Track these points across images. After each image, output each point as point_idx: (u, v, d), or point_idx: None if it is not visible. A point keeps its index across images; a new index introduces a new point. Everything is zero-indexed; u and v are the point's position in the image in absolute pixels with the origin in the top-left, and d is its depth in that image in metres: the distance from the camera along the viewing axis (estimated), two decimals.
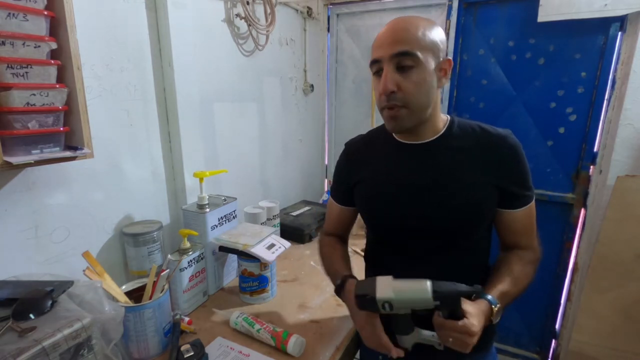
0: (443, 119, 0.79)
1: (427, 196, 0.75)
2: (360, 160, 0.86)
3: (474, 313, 0.62)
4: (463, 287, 0.61)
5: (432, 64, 0.69)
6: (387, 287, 0.63)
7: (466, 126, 0.78)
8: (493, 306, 0.66)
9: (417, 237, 0.77)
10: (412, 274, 0.77)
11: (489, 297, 0.67)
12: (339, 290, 0.80)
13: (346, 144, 0.92)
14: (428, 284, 0.61)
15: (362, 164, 0.85)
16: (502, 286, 0.70)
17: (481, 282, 0.80)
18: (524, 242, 0.78)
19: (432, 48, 0.69)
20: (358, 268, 0.91)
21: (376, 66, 0.71)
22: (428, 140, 0.77)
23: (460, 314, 0.61)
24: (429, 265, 0.77)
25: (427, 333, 0.68)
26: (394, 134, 0.82)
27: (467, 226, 0.75)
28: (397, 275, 0.69)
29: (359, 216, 0.93)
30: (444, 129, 0.77)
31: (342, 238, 0.98)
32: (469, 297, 0.64)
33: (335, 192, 0.95)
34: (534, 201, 0.77)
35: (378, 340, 0.70)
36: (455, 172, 0.74)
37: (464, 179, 0.73)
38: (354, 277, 0.81)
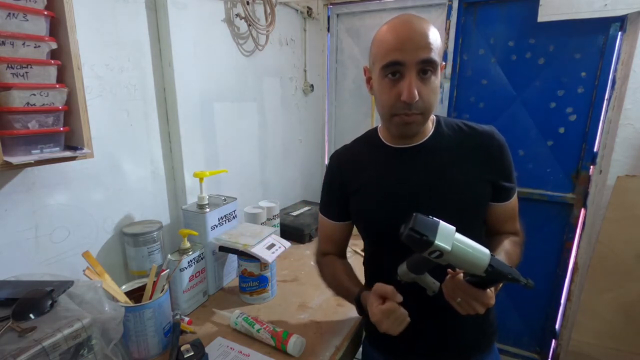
0: (431, 118, 0.79)
1: (423, 198, 0.75)
2: (352, 169, 0.84)
3: (493, 288, 0.63)
4: (515, 274, 0.58)
5: (439, 68, 0.70)
6: (448, 237, 0.57)
7: (452, 125, 0.79)
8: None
9: None
10: None
11: None
12: (360, 309, 0.77)
13: (333, 156, 0.89)
14: (489, 255, 0.58)
15: (354, 172, 0.83)
16: None
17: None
18: (510, 228, 0.82)
19: (441, 53, 0.70)
20: (358, 268, 0.91)
21: (394, 69, 0.67)
22: (418, 143, 0.77)
23: (487, 286, 0.61)
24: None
25: (431, 279, 0.66)
26: (382, 138, 0.82)
27: (464, 224, 0.74)
28: (395, 276, 0.69)
29: None
30: (432, 129, 0.78)
31: (340, 255, 0.94)
32: (516, 283, 0.60)
33: (326, 208, 0.90)
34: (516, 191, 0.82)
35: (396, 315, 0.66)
36: (448, 171, 0.75)
37: (457, 177, 0.74)
38: (368, 288, 0.77)
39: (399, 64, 0.66)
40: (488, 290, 0.61)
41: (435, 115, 0.80)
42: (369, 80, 0.78)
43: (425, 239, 0.56)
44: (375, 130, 0.85)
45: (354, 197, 0.83)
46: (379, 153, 0.81)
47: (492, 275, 0.58)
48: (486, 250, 0.59)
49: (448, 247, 0.56)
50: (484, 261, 0.57)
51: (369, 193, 0.80)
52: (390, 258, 0.80)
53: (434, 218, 0.59)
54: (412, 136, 0.76)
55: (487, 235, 0.84)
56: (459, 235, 0.59)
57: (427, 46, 0.66)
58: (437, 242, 0.56)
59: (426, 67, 0.67)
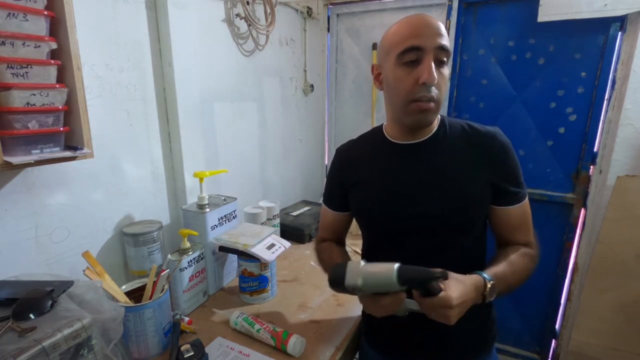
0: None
1: (422, 195, 0.75)
2: (353, 164, 0.86)
3: (453, 286, 0.63)
4: (429, 272, 0.61)
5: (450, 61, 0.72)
6: (355, 273, 0.64)
7: (456, 125, 0.79)
8: (487, 281, 0.66)
9: (413, 237, 0.77)
10: None
11: (483, 274, 0.68)
12: None
13: (337, 150, 0.92)
14: (395, 269, 0.61)
15: (355, 167, 0.85)
16: (497, 268, 0.71)
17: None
18: (521, 238, 0.78)
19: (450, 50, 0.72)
20: None
21: (413, 55, 0.68)
22: (422, 140, 0.78)
23: (435, 292, 0.61)
24: (424, 263, 0.77)
25: (413, 303, 0.69)
26: (387, 135, 0.82)
27: (462, 224, 0.75)
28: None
29: None
30: (436, 128, 0.78)
31: (338, 242, 0.97)
32: (434, 280, 0.63)
33: (328, 198, 0.94)
34: (527, 199, 0.78)
35: (381, 308, 0.68)
36: (448, 169, 0.75)
37: (457, 176, 0.74)
38: None
39: (418, 49, 0.67)
40: (441, 294, 0.61)
41: (441, 115, 0.81)
42: (377, 76, 0.79)
43: (339, 282, 0.65)
44: (380, 127, 0.86)
45: (354, 191, 0.84)
46: (381, 149, 0.82)
47: (409, 283, 0.62)
48: (392, 265, 0.62)
49: (359, 282, 0.63)
50: (392, 277, 0.61)
51: (369, 188, 0.81)
52: (389, 252, 0.81)
53: (343, 262, 0.67)
54: (425, 126, 0.76)
55: (498, 246, 0.81)
56: (367, 266, 0.65)
57: (443, 34, 0.69)
58: (346, 283, 0.64)
59: (442, 56, 0.69)
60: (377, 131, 0.86)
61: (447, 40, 0.69)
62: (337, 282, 0.66)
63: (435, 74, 0.67)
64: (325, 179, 0.95)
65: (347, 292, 0.66)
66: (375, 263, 0.65)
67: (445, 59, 0.69)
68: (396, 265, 0.62)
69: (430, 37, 0.67)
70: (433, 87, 0.68)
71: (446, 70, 0.71)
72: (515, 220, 0.77)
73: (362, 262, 0.66)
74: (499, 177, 0.74)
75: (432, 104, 0.70)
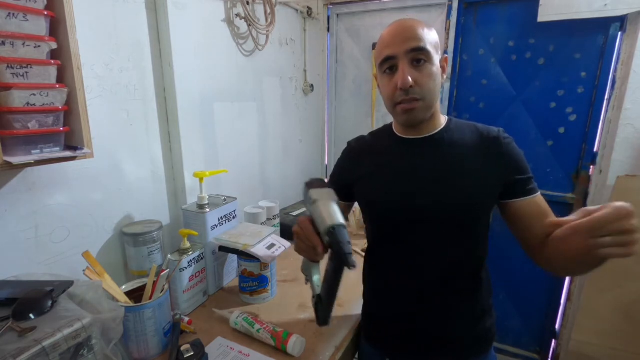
0: (442, 117, 0.83)
1: (428, 188, 0.76)
2: (362, 158, 0.88)
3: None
4: (349, 249, 0.60)
5: (437, 59, 0.74)
6: (321, 193, 0.69)
7: (462, 124, 0.82)
8: None
9: (418, 230, 0.78)
10: (413, 266, 0.79)
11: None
12: None
13: (348, 143, 0.94)
14: (337, 222, 0.62)
15: (363, 161, 0.87)
16: None
17: (478, 276, 0.81)
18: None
19: (435, 45, 0.74)
20: (358, 268, 0.90)
21: (389, 63, 0.74)
22: (429, 135, 0.80)
23: (346, 264, 0.59)
24: (429, 258, 0.78)
25: (317, 286, 0.77)
26: (395, 131, 0.85)
27: (467, 217, 0.76)
28: (397, 269, 0.79)
29: (360, 215, 0.93)
30: (444, 124, 0.81)
31: None
32: (346, 255, 0.60)
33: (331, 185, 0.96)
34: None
35: (299, 241, 0.73)
36: (456, 163, 0.76)
37: (464, 170, 0.75)
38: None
39: (392, 58, 0.73)
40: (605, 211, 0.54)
41: (448, 116, 0.83)
42: (379, 85, 0.83)
43: (311, 186, 0.72)
44: (390, 124, 0.89)
45: (361, 184, 0.86)
46: (389, 143, 0.85)
47: (331, 238, 0.61)
48: (340, 219, 0.63)
49: (314, 196, 0.68)
50: (329, 221, 0.63)
51: (376, 178, 0.83)
52: (392, 242, 0.83)
53: (329, 184, 0.72)
54: (417, 124, 0.78)
55: (538, 248, 0.75)
56: (330, 201, 0.67)
57: (416, 37, 0.71)
58: (310, 191, 0.70)
59: (418, 56, 0.72)
60: (387, 127, 0.89)
61: (422, 41, 0.71)
62: (311, 185, 0.71)
63: (408, 77, 0.71)
64: (327, 178, 0.97)
65: (305, 198, 0.71)
66: (338, 210, 0.65)
67: (423, 58, 0.72)
68: (342, 221, 0.63)
69: (400, 44, 0.71)
70: (414, 88, 0.72)
71: (429, 66, 0.72)
72: (542, 208, 0.75)
73: (334, 197, 0.68)
74: (509, 171, 0.75)
75: (416, 103, 0.73)
